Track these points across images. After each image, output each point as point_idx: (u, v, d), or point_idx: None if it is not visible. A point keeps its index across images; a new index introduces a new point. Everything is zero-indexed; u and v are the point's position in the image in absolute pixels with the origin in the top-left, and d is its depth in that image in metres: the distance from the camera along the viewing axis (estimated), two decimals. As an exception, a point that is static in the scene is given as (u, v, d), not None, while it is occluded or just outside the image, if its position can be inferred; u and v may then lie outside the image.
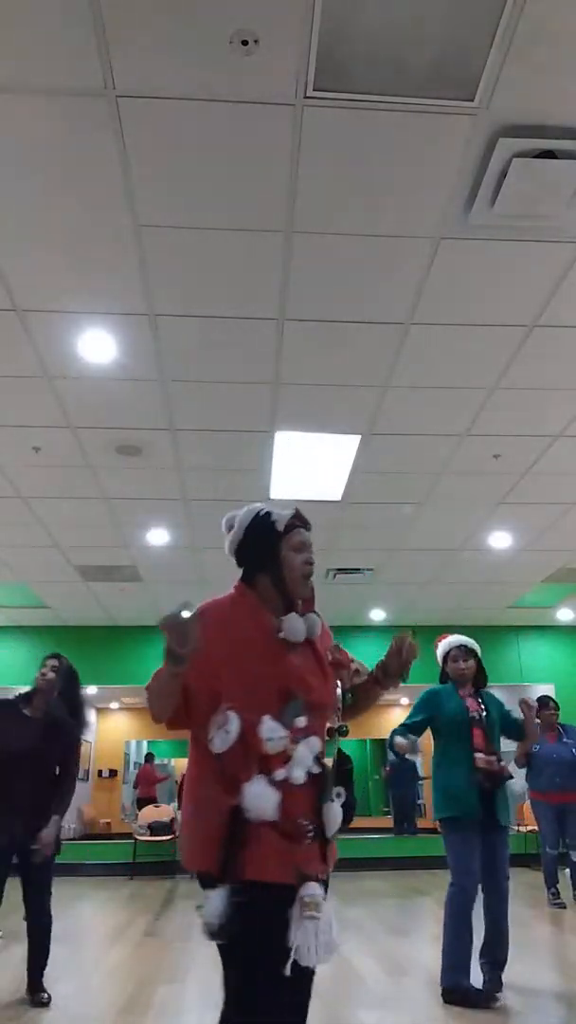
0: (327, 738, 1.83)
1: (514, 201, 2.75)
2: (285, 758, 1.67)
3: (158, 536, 6.37)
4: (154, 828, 9.03)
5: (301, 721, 1.70)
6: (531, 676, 9.58)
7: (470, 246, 3.07)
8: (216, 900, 1.56)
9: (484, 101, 2.41)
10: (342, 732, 1.87)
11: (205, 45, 2.23)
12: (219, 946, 1.61)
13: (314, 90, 2.37)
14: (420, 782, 11.56)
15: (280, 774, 1.65)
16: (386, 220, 2.92)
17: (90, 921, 6.04)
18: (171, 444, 4.74)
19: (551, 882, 6.17)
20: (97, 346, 3.71)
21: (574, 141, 2.54)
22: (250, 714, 1.66)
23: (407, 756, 3.82)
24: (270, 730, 1.66)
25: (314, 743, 1.72)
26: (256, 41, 2.22)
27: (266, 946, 1.56)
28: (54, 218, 2.90)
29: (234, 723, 1.64)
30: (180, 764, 12.14)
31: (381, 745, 13.88)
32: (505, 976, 3.47)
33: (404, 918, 5.76)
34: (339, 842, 1.78)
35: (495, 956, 3.48)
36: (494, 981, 3.44)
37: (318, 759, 1.73)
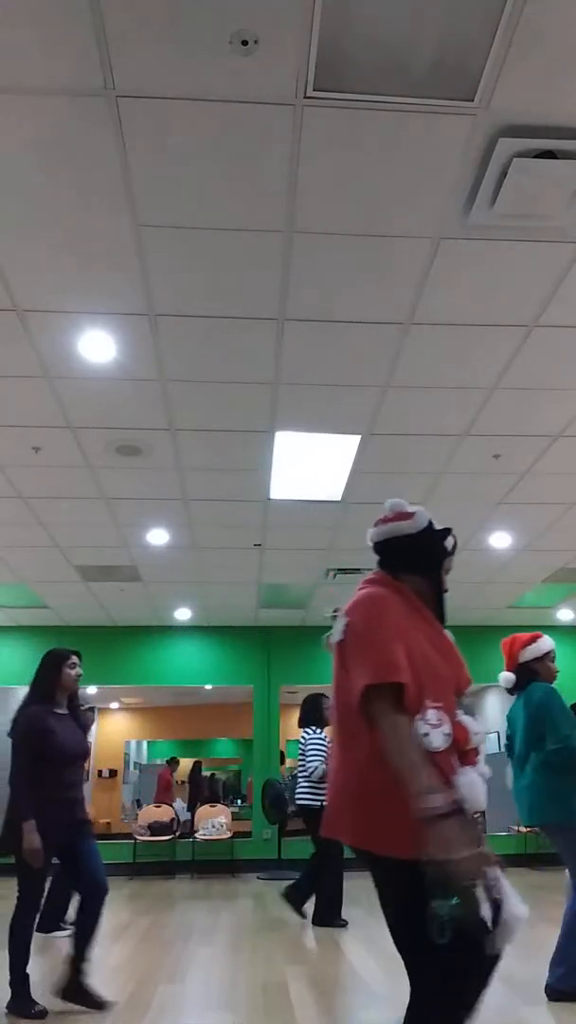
0: None
1: (514, 201, 2.75)
2: (477, 752, 1.76)
3: (158, 536, 6.37)
4: (154, 828, 9.04)
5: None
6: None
7: (470, 246, 3.07)
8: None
9: (484, 101, 2.41)
10: None
11: (205, 45, 2.23)
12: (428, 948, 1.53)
13: (314, 90, 2.37)
14: None
15: (481, 768, 1.73)
16: (386, 220, 2.92)
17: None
18: (171, 444, 4.74)
19: None
20: (97, 346, 3.71)
21: (574, 141, 2.54)
22: (448, 711, 1.73)
23: None
24: (472, 725, 1.75)
25: None
26: (256, 41, 2.21)
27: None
28: (54, 218, 2.90)
29: (447, 722, 1.70)
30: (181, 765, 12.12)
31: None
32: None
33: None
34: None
35: None
36: None
37: None
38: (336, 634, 1.82)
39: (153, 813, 9.35)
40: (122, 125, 2.49)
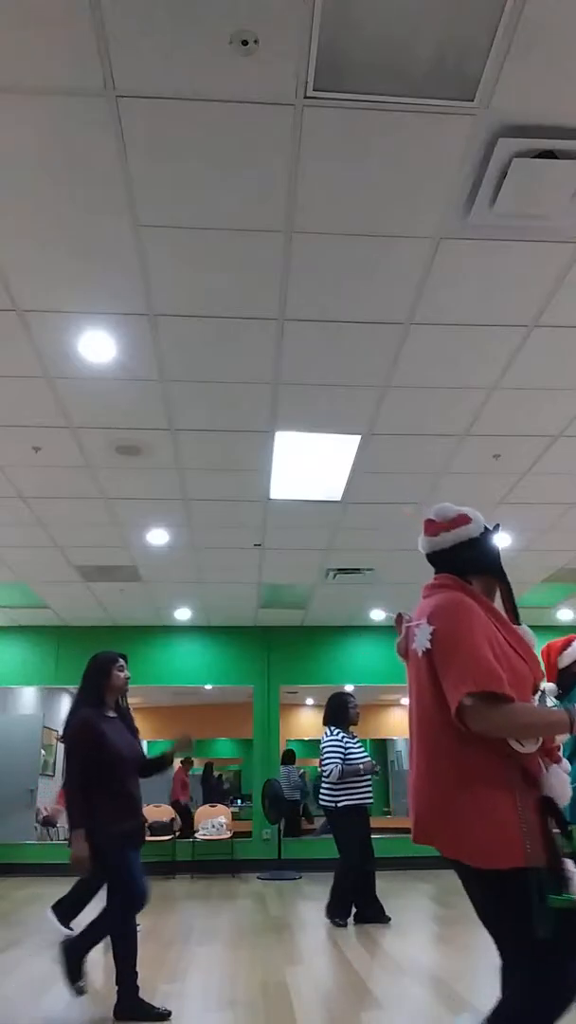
0: None
1: (514, 201, 2.75)
2: (559, 748, 1.76)
3: (158, 536, 6.37)
4: (154, 828, 9.03)
5: None
6: (531, 676, 9.56)
7: (470, 246, 3.07)
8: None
9: (484, 101, 2.41)
10: None
11: (205, 45, 2.23)
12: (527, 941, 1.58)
13: (314, 90, 2.37)
14: None
15: (565, 764, 1.73)
16: (386, 220, 2.92)
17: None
18: (171, 444, 4.74)
19: None
20: (97, 346, 3.71)
21: (574, 141, 2.54)
22: None
23: None
24: None
25: None
26: (256, 41, 2.22)
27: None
28: (54, 218, 2.90)
29: None
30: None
31: (382, 745, 13.88)
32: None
33: (404, 918, 5.76)
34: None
35: None
36: None
37: None
38: (422, 643, 1.80)
39: (153, 813, 9.34)
40: (122, 125, 2.49)
